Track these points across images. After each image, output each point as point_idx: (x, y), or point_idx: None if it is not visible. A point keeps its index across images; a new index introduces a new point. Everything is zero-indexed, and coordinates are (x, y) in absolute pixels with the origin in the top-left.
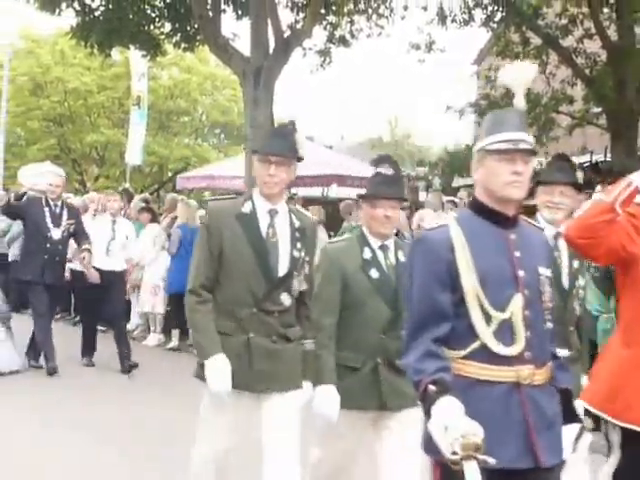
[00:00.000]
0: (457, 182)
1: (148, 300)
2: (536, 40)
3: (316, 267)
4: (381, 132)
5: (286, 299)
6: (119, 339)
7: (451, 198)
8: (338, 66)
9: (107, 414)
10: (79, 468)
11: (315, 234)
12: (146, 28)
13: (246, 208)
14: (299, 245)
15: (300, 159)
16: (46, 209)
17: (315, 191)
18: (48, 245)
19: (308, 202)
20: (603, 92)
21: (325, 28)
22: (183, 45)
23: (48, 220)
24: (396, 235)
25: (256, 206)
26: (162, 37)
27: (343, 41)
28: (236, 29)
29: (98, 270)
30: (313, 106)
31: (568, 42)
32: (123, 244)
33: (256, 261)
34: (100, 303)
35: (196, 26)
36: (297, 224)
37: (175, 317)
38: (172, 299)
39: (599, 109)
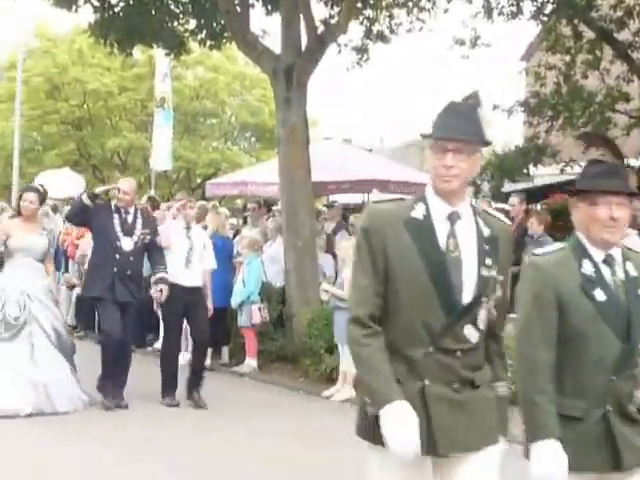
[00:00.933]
0: (507, 187)
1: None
2: (589, 34)
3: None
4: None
5: (472, 334)
6: (196, 366)
7: (502, 205)
8: (376, 64)
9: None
10: None
11: (511, 245)
12: (169, 25)
13: (417, 212)
14: (489, 261)
15: (488, 143)
16: (115, 216)
17: (355, 198)
18: (117, 256)
19: (348, 210)
20: None
21: (362, 23)
22: (209, 43)
23: (117, 229)
24: None
25: (431, 209)
26: (187, 34)
27: (381, 37)
28: (266, 25)
29: (177, 286)
30: (350, 107)
31: (624, 36)
32: (201, 254)
33: (432, 283)
34: (179, 328)
35: (223, 22)
36: (486, 232)
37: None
38: None
39: None
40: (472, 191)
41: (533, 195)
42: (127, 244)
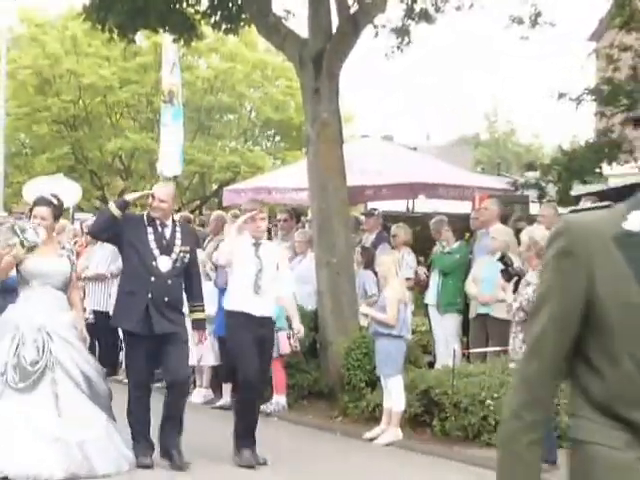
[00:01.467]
0: (577, 190)
1: (192, 349)
2: None
3: None
4: (477, 128)
5: None
6: (251, 418)
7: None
8: (420, 48)
9: None
10: None
11: None
12: (178, 6)
13: (634, 223)
14: None
15: None
16: (149, 229)
17: (398, 205)
18: (153, 279)
19: (390, 219)
20: None
21: (402, 0)
22: (224, 26)
23: (153, 245)
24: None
25: None
26: (198, 17)
27: (425, 16)
28: (290, 5)
29: (244, 316)
30: (390, 99)
31: None
32: (273, 277)
33: None
34: (253, 361)
35: (240, 2)
36: None
37: (226, 367)
38: (221, 345)
39: None
40: (537, 195)
41: (608, 198)
42: (164, 264)
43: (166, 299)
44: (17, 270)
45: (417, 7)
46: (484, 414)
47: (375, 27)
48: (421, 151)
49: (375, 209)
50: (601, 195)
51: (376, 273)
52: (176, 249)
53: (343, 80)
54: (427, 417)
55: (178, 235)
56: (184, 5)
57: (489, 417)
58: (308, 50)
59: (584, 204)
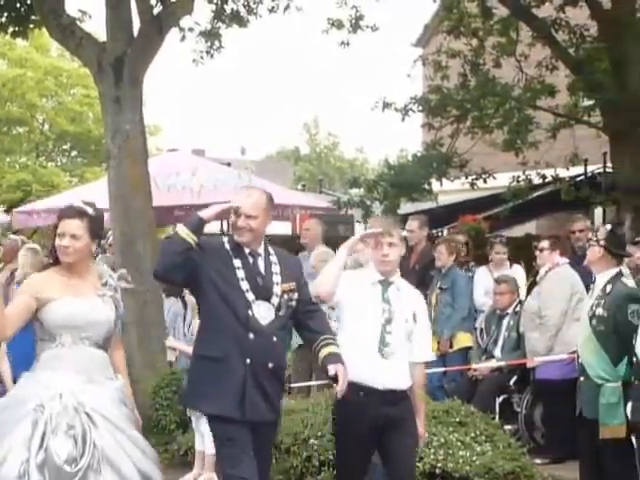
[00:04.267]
0: (405, 208)
1: None
2: (501, 10)
3: None
4: (297, 142)
5: None
6: None
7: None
8: (232, 53)
9: None
10: None
11: None
12: None
13: None
14: None
15: None
16: (235, 262)
17: (210, 226)
18: (251, 337)
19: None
20: (595, 78)
21: (211, 1)
22: (12, 29)
23: (243, 285)
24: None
25: None
26: None
27: (237, 19)
28: (86, 5)
29: (362, 390)
30: (200, 108)
31: (545, 12)
32: (408, 331)
33: None
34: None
35: (29, 1)
36: None
37: None
38: None
39: (591, 102)
40: (361, 214)
41: (437, 217)
42: (264, 313)
43: (270, 365)
44: (36, 319)
45: (228, 8)
46: (308, 454)
47: (182, 30)
48: (236, 166)
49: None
50: (431, 214)
51: (185, 303)
52: (276, 289)
53: (147, 88)
54: None
55: (276, 268)
56: None
57: (313, 458)
58: (107, 55)
59: (412, 223)
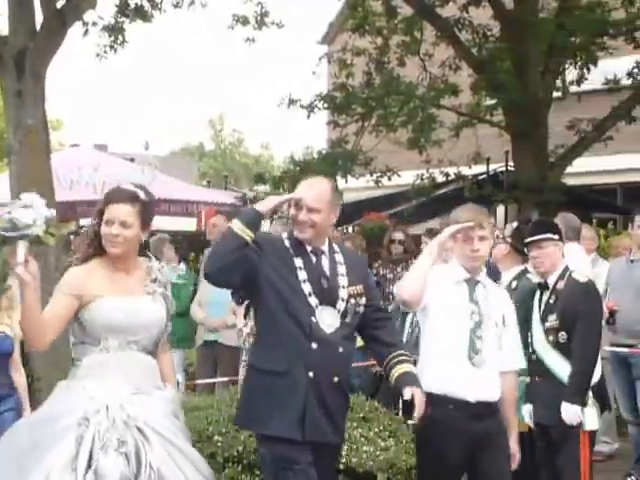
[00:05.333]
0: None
1: None
2: (405, 9)
3: None
4: (202, 137)
5: None
6: None
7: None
8: (136, 48)
9: None
10: None
11: None
12: None
13: None
14: None
15: None
16: (296, 261)
17: None
18: (314, 347)
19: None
20: (497, 78)
21: None
22: None
23: (305, 288)
24: None
25: None
26: None
27: (141, 13)
28: None
29: (450, 403)
30: (103, 103)
31: (448, 11)
32: (498, 337)
33: None
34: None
35: None
36: None
37: None
38: None
39: (493, 101)
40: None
41: (342, 214)
42: (328, 319)
43: (335, 379)
44: (76, 319)
45: (132, 3)
46: (212, 451)
47: (85, 24)
48: (139, 162)
49: (87, 227)
50: None
51: None
52: (342, 293)
53: (50, 82)
54: None
55: (341, 268)
56: None
57: (217, 455)
58: (9, 48)
59: None
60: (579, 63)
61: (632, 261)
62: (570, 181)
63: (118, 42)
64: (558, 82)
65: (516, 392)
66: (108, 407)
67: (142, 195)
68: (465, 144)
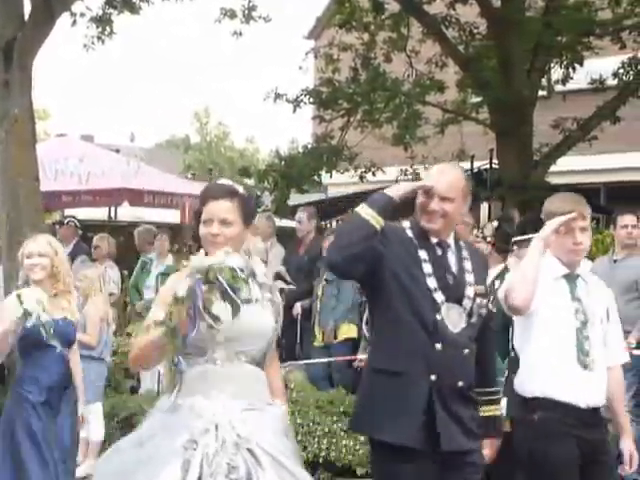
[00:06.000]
0: (295, 199)
1: None
2: (393, 5)
3: None
4: (187, 130)
5: None
6: None
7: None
8: (123, 40)
9: None
10: None
11: None
12: None
13: None
14: None
15: None
16: (420, 253)
17: (99, 213)
18: (439, 348)
19: (88, 228)
20: (483, 76)
21: None
22: None
23: (431, 283)
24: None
25: None
26: None
27: (129, 5)
28: None
29: (560, 407)
30: (89, 94)
31: (435, 9)
32: (603, 335)
33: None
34: None
35: None
36: None
37: None
38: None
39: (479, 99)
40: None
41: (326, 209)
42: (455, 318)
43: (460, 384)
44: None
45: None
46: None
47: (73, 15)
48: (125, 153)
49: (72, 217)
50: (320, 205)
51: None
52: (469, 291)
53: (37, 72)
54: None
55: (468, 264)
56: None
57: None
58: None
59: (301, 214)
60: (565, 62)
61: (615, 261)
62: (554, 180)
63: (106, 33)
64: (543, 81)
65: (624, 387)
66: (217, 426)
67: (241, 190)
68: (450, 141)
